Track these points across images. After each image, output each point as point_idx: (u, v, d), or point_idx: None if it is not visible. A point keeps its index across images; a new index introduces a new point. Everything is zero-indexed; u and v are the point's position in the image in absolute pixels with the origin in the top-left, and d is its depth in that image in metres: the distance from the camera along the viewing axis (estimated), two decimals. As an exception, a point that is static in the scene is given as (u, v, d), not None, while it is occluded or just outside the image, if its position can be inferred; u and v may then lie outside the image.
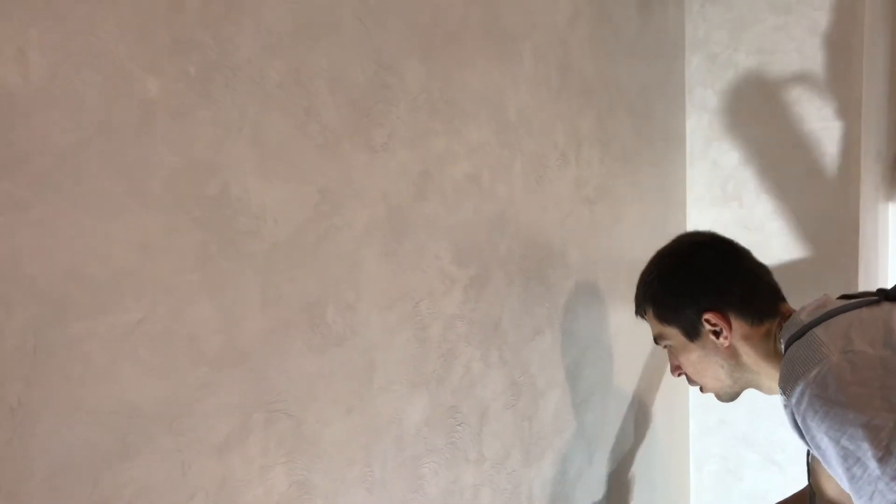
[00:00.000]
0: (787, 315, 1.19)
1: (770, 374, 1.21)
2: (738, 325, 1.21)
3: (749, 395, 2.22)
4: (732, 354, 1.23)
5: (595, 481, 1.60)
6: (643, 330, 1.83)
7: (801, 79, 1.88)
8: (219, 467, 0.77)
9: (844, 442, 0.94)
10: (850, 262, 1.85)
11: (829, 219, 1.87)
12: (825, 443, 0.98)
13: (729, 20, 1.99)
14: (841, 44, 1.84)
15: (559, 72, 1.39)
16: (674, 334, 1.28)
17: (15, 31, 0.59)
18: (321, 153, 0.88)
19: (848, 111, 1.83)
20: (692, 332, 1.25)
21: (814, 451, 1.03)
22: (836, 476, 0.99)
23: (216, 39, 0.76)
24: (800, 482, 2.08)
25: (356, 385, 0.95)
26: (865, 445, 0.92)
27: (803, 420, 1.01)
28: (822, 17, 1.87)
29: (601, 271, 1.59)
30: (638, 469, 1.85)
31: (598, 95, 1.55)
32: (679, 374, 1.33)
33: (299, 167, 0.86)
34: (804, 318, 1.10)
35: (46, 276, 0.62)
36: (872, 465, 0.91)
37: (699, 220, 2.11)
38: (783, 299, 1.24)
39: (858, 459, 0.93)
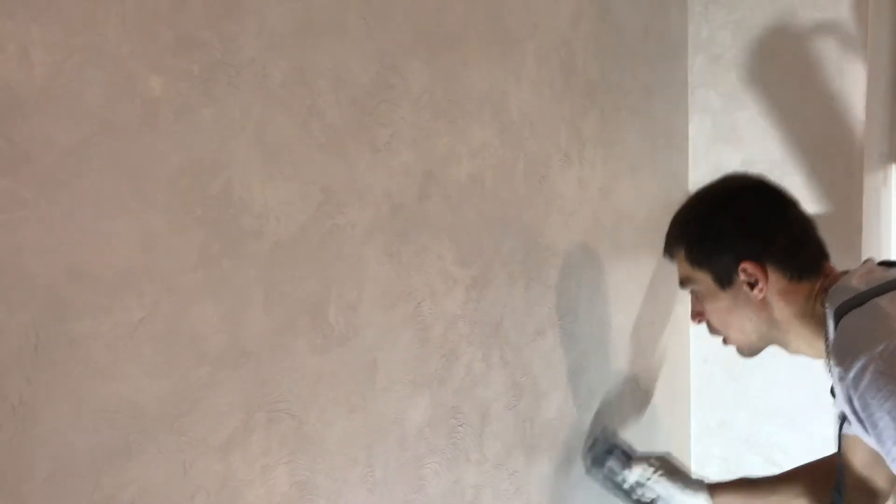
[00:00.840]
0: (831, 276, 1.13)
1: (801, 335, 1.16)
2: (776, 279, 1.14)
3: (750, 397, 2.21)
4: (764, 308, 1.16)
5: (597, 483, 1.60)
6: (645, 331, 1.83)
7: (805, 81, 1.87)
8: (220, 467, 0.77)
9: None
10: (853, 265, 1.85)
11: (832, 222, 1.86)
12: (885, 421, 0.93)
13: (732, 21, 1.99)
14: (846, 42, 1.84)
15: (562, 72, 1.39)
16: (704, 279, 1.20)
17: (18, 29, 0.59)
18: (324, 152, 0.88)
19: (852, 113, 1.82)
20: (724, 280, 1.17)
21: (867, 428, 0.97)
22: (888, 455, 0.95)
23: (219, 38, 0.75)
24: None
25: (358, 385, 0.95)
26: None
27: (861, 395, 0.95)
28: (826, 18, 1.86)
29: (604, 272, 1.59)
30: (639, 470, 1.84)
31: (600, 96, 1.55)
32: (700, 322, 1.26)
33: (302, 166, 0.85)
34: (856, 284, 1.05)
35: (48, 274, 0.62)
36: None
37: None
38: (828, 258, 1.17)
39: None
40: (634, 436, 1.79)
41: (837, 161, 1.86)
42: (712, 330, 1.25)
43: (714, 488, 1.45)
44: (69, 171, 0.63)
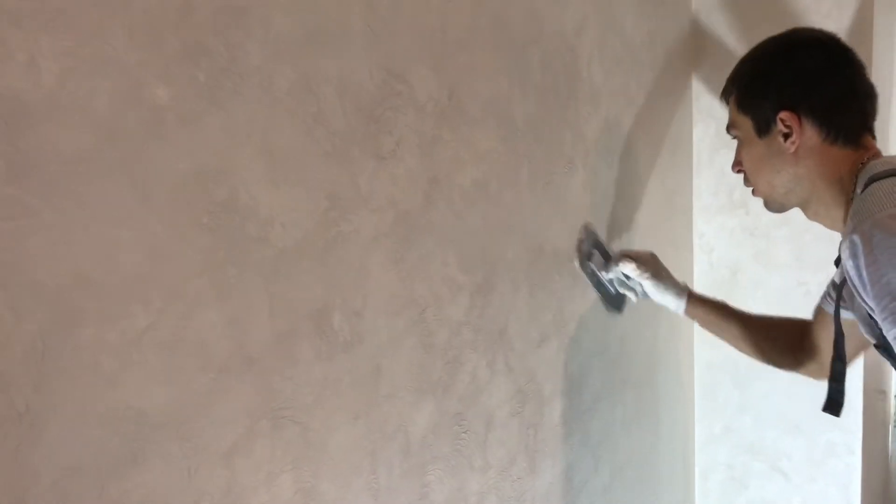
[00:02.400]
0: (872, 152, 1.13)
1: (823, 200, 1.17)
2: (812, 135, 1.15)
3: (752, 402, 2.20)
4: (794, 163, 1.17)
5: (600, 490, 1.60)
6: (648, 336, 1.83)
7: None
8: (225, 473, 0.77)
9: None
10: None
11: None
12: (875, 277, 0.94)
13: (737, 28, 1.99)
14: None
15: (567, 79, 1.39)
16: (745, 125, 1.22)
17: (26, 39, 0.60)
18: (329, 160, 0.88)
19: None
20: (763, 128, 1.19)
21: (866, 288, 0.97)
22: (879, 309, 0.96)
23: (225, 46, 0.76)
24: (806, 491, 2.08)
25: (363, 392, 0.95)
26: None
27: (869, 251, 0.95)
28: (830, 25, 1.86)
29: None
30: (644, 477, 1.84)
31: (605, 103, 1.55)
32: (738, 171, 1.28)
33: (307, 174, 0.86)
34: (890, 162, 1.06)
35: (55, 281, 0.62)
36: None
37: (705, 227, 2.10)
38: (871, 132, 1.17)
39: None
40: (637, 440, 1.79)
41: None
42: (746, 180, 1.28)
43: (694, 299, 1.52)
44: (76, 178, 0.63)
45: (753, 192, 1.28)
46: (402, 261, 1.00)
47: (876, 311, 0.97)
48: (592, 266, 1.50)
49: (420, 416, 1.05)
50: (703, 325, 1.54)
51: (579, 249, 1.49)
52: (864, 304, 1.01)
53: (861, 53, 1.19)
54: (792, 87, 1.16)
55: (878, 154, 1.14)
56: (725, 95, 1.27)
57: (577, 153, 1.44)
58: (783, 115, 1.15)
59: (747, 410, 2.12)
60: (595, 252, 1.51)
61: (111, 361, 0.66)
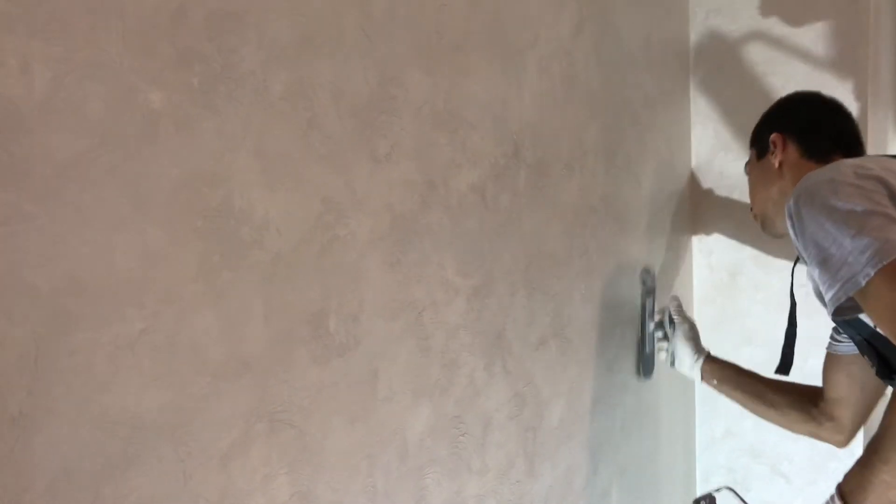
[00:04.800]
0: None
1: None
2: (792, 150, 1.35)
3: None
4: (780, 176, 1.36)
5: (600, 493, 1.60)
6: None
7: (807, 89, 1.87)
8: (221, 477, 0.77)
9: (829, 225, 1.03)
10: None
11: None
12: (812, 228, 1.06)
13: (734, 30, 1.99)
14: (847, 53, 1.84)
15: (563, 82, 1.40)
16: (752, 155, 1.47)
17: (19, 43, 0.60)
18: (324, 164, 0.89)
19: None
20: (760, 151, 1.43)
21: (800, 246, 1.11)
22: (808, 259, 1.08)
23: (219, 51, 0.76)
24: (807, 494, 2.07)
25: (359, 395, 0.95)
26: (844, 229, 1.01)
27: (797, 210, 1.09)
28: (827, 27, 1.87)
29: (605, 281, 1.59)
30: (644, 480, 1.84)
31: (602, 106, 1.55)
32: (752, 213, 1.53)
33: (302, 178, 0.86)
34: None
35: (49, 285, 0.62)
36: (847, 241, 1.00)
37: (705, 230, 2.10)
38: (844, 151, 1.32)
39: (835, 240, 1.02)
40: (638, 443, 1.79)
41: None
42: (751, 210, 1.53)
43: (711, 360, 1.66)
44: (70, 183, 0.64)
45: (753, 214, 1.50)
46: (398, 264, 1.00)
47: (807, 262, 1.10)
48: (645, 314, 1.71)
49: (417, 420, 1.05)
50: (721, 381, 1.64)
51: (643, 301, 1.72)
52: (812, 276, 1.12)
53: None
54: (781, 113, 1.45)
55: None
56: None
57: (574, 156, 1.44)
58: (773, 136, 1.38)
59: (748, 413, 2.11)
60: (648, 300, 1.71)
61: (105, 365, 0.67)
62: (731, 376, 1.62)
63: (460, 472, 1.14)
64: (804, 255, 1.10)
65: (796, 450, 2.06)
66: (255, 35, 0.80)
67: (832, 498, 1.08)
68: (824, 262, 1.04)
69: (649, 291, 1.75)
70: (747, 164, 1.52)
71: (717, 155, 2.05)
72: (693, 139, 2.08)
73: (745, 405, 1.62)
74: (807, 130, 1.36)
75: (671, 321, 1.71)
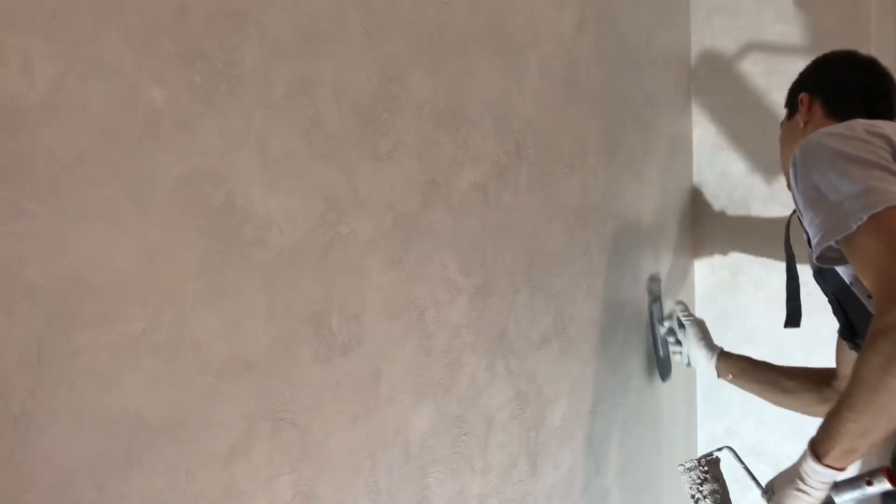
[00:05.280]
0: None
1: None
2: (818, 110, 1.33)
3: (755, 404, 2.20)
4: (804, 137, 1.29)
5: (602, 492, 1.59)
6: (649, 337, 1.82)
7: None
8: (223, 477, 0.77)
9: (830, 172, 1.03)
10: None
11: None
12: (813, 174, 1.06)
13: (735, 28, 1.99)
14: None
15: (565, 81, 1.39)
16: (784, 115, 1.45)
17: (20, 41, 0.60)
18: (326, 162, 0.88)
19: (855, 119, 1.82)
20: (791, 111, 1.41)
21: (797, 192, 1.10)
22: (806, 203, 1.07)
23: (221, 49, 0.76)
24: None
25: (361, 394, 0.95)
26: (843, 177, 1.01)
27: (802, 157, 1.09)
28: (828, 25, 1.86)
29: (607, 280, 1.59)
30: (646, 480, 1.84)
31: (604, 104, 1.55)
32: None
33: (304, 176, 0.86)
34: None
35: (51, 284, 0.62)
36: (845, 187, 1.00)
37: (706, 229, 2.10)
38: (869, 111, 1.28)
39: (834, 185, 1.02)
40: (640, 442, 1.79)
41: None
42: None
43: (725, 355, 1.67)
44: (72, 181, 0.63)
45: (785, 173, 1.44)
46: (400, 263, 1.00)
47: (800, 207, 1.10)
48: (654, 320, 1.74)
49: (420, 419, 1.05)
50: (736, 374, 1.65)
51: (651, 308, 1.75)
52: (805, 230, 1.12)
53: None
54: (812, 73, 1.41)
55: None
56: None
57: (575, 155, 1.44)
58: (801, 95, 1.36)
59: (750, 413, 2.11)
60: (655, 306, 1.74)
61: (107, 365, 0.66)
62: (745, 369, 1.63)
63: (463, 472, 1.14)
64: (799, 199, 1.10)
65: (798, 449, 2.05)
66: (257, 33, 0.80)
67: (805, 452, 1.07)
68: (818, 204, 1.04)
69: (656, 298, 1.76)
70: (782, 123, 1.51)
71: (718, 154, 2.05)
72: (694, 138, 2.08)
73: (761, 395, 1.62)
74: (833, 90, 1.34)
75: (680, 324, 1.71)
